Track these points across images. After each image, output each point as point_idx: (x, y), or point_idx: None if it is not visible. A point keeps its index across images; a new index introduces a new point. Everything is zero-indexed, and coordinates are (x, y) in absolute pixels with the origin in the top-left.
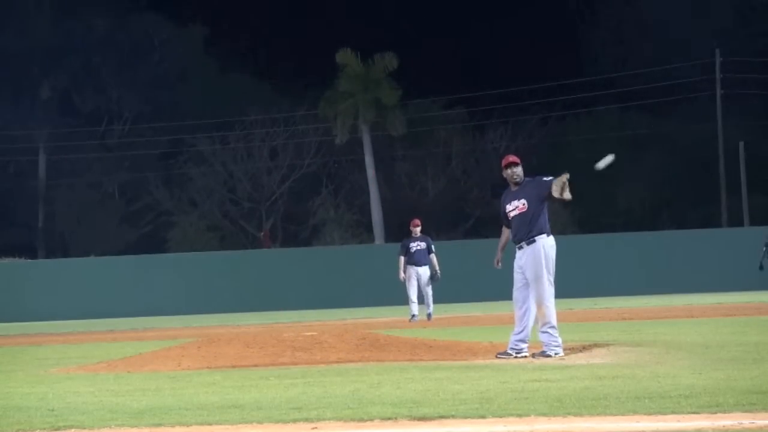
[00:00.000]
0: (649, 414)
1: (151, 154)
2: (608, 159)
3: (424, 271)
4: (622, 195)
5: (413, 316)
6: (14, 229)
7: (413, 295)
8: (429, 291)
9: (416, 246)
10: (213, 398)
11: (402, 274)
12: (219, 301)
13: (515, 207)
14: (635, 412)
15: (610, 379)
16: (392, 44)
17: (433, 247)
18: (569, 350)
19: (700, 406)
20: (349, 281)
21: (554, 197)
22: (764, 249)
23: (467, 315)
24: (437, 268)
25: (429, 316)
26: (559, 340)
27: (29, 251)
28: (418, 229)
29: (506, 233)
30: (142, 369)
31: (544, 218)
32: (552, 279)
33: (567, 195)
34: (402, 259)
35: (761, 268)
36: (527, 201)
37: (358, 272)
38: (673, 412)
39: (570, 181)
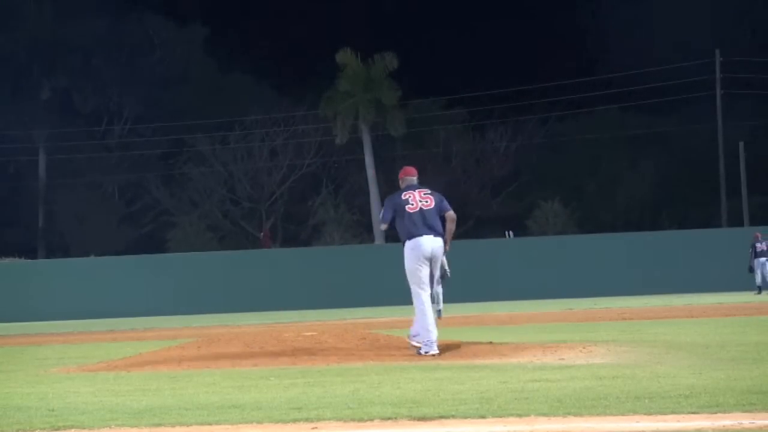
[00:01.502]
0: (649, 414)
1: (151, 154)
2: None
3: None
4: (622, 195)
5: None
6: (14, 229)
7: None
8: (439, 290)
9: None
10: (213, 398)
11: None
12: (219, 301)
13: None
14: (635, 412)
15: (610, 379)
16: (392, 44)
17: None
18: (569, 349)
19: (700, 406)
20: (349, 281)
21: None
22: (750, 250)
23: (467, 315)
24: (447, 267)
25: (439, 312)
26: (427, 337)
27: (29, 251)
28: None
29: None
30: (142, 369)
31: (400, 228)
32: (412, 280)
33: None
34: None
35: (751, 270)
36: None
37: (358, 272)
38: (673, 412)
39: None
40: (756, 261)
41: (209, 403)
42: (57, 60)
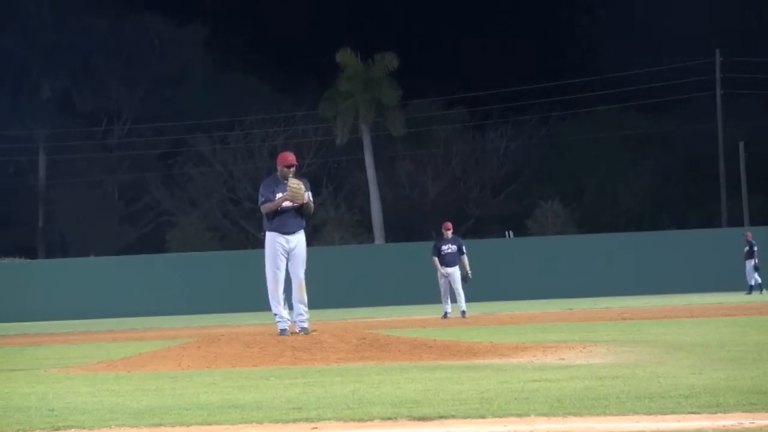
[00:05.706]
0: (649, 414)
1: (151, 154)
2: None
3: (454, 272)
4: (622, 195)
5: (446, 313)
6: (14, 229)
7: (445, 294)
8: (461, 290)
9: (448, 248)
10: (213, 398)
11: (441, 271)
12: (219, 301)
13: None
14: (635, 412)
15: (610, 379)
16: (392, 44)
17: (464, 248)
18: (569, 349)
19: (700, 406)
20: (349, 281)
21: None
22: (748, 249)
23: (467, 315)
24: (468, 268)
25: (463, 313)
26: (277, 313)
27: (29, 251)
28: (450, 232)
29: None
30: (142, 369)
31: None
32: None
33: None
34: (436, 259)
35: (756, 269)
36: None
37: (358, 272)
38: (673, 412)
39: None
40: (748, 261)
41: (209, 403)
42: (57, 60)
